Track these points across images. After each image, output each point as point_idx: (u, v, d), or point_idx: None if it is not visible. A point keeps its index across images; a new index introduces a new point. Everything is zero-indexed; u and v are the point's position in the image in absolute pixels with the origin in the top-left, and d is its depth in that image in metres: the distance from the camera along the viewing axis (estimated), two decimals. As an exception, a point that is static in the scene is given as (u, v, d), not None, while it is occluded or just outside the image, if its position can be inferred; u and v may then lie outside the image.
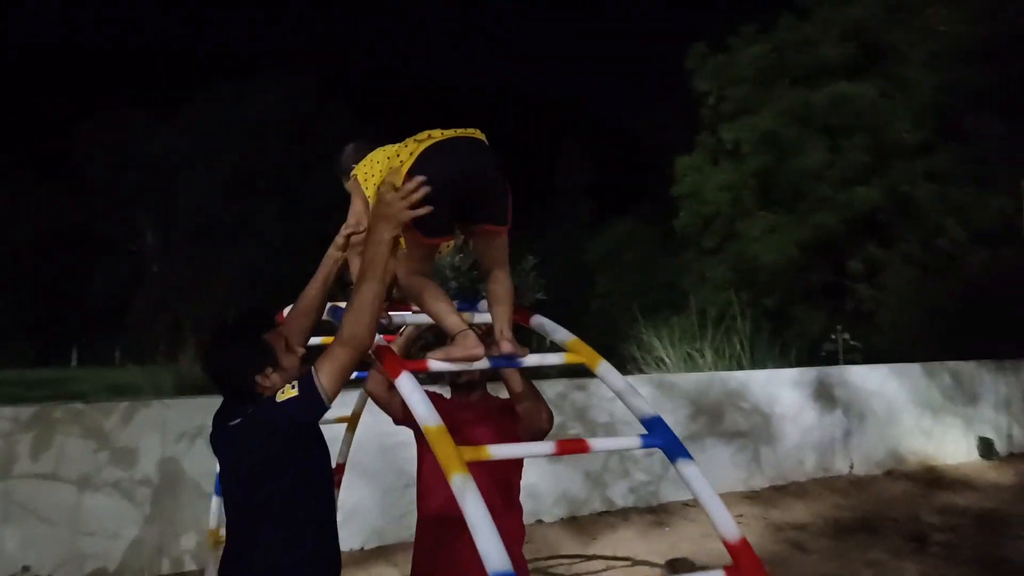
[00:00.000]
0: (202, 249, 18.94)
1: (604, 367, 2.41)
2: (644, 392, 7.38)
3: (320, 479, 2.26)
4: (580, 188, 26.88)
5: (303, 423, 2.15)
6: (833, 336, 11.07)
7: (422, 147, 2.44)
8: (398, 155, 2.50)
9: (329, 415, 3.73)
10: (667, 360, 9.81)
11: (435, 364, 2.30)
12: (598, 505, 6.93)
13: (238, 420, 2.16)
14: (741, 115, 15.27)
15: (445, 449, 1.91)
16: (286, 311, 3.08)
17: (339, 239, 2.68)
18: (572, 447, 2.14)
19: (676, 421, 7.37)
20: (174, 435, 5.54)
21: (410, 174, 2.36)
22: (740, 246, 15.04)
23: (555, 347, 2.66)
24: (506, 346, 2.38)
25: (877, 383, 8.52)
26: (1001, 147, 13.93)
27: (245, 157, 23.51)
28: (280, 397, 2.11)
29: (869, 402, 8.40)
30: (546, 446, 2.08)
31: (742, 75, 15.44)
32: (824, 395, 8.18)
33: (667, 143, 18.61)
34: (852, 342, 10.94)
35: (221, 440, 2.23)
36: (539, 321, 2.72)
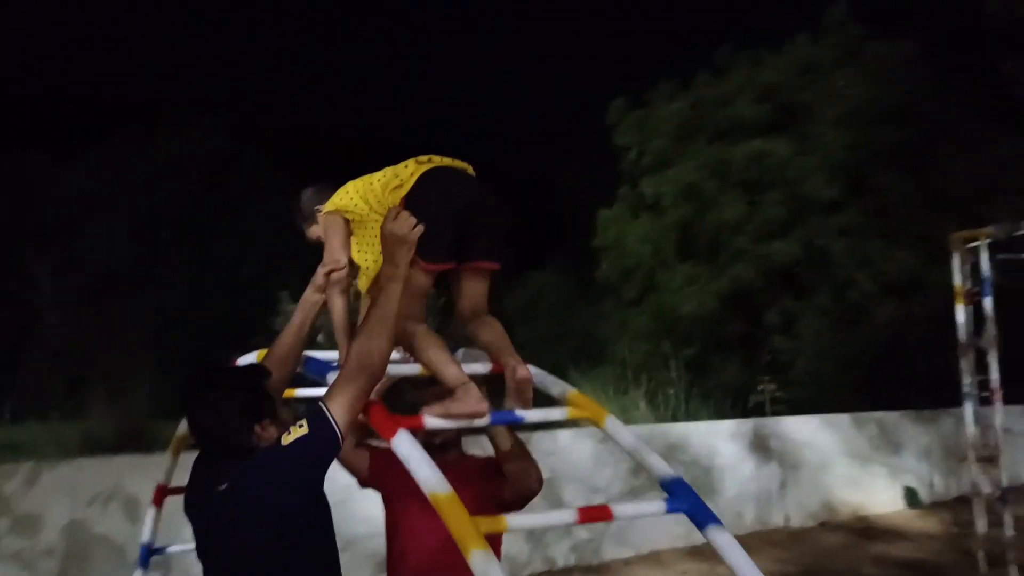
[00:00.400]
0: (104, 298, 17.96)
1: (612, 423, 2.22)
2: (586, 446, 7.21)
3: (326, 518, 2.05)
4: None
5: (318, 463, 1.91)
6: (760, 387, 11.18)
7: (423, 169, 2.33)
8: (397, 175, 2.35)
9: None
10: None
11: (432, 421, 2.07)
12: (539, 565, 6.66)
13: (229, 482, 1.88)
14: (661, 169, 15.55)
15: (461, 521, 1.66)
16: (240, 361, 2.80)
17: (318, 279, 2.46)
18: (595, 514, 1.93)
19: (617, 475, 7.19)
20: (85, 499, 5.04)
21: (411, 194, 2.28)
22: (661, 296, 15.19)
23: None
24: (523, 371, 2.22)
25: (809, 434, 8.58)
26: (904, 203, 14.57)
27: (152, 203, 22.61)
28: (287, 439, 1.87)
29: (802, 453, 8.44)
30: (568, 514, 1.86)
31: (662, 130, 15.77)
32: (760, 447, 8.18)
33: (584, 195, 18.83)
34: (778, 393, 11.07)
35: (206, 507, 1.94)
36: (532, 372, 2.52)
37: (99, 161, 22.54)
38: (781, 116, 15.22)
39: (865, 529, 8.24)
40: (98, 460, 5.50)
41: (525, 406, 2.23)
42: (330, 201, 2.55)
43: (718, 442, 7.92)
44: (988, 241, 6.37)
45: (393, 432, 1.88)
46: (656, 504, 1.92)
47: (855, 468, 8.84)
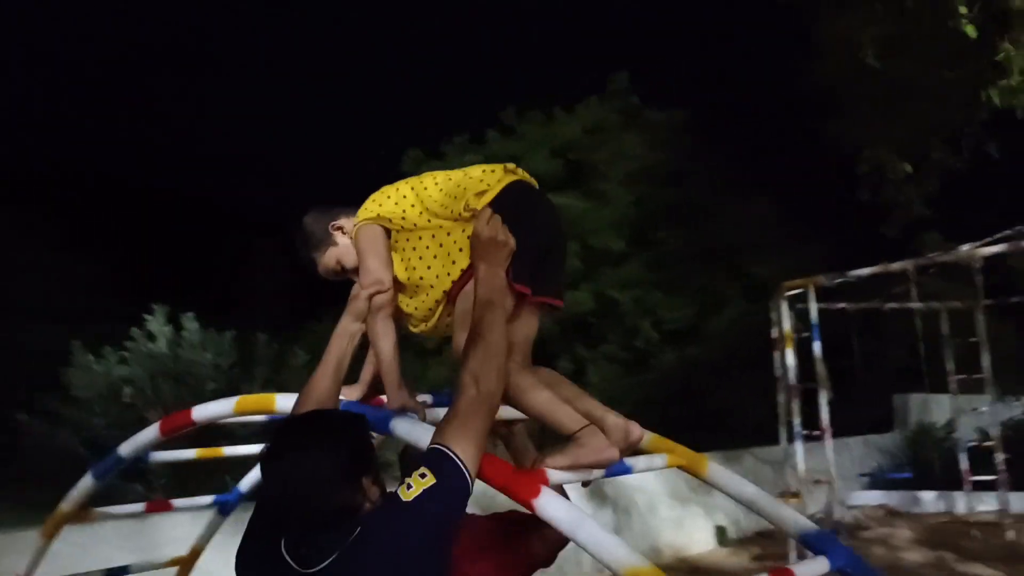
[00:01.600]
0: None
1: (716, 471, 1.99)
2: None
3: None
4: (276, 290, 25.61)
5: (452, 519, 1.53)
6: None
7: (511, 179, 1.99)
8: (481, 180, 1.98)
9: (159, 554, 2.89)
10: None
11: (559, 475, 1.72)
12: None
13: (332, 559, 1.41)
14: (459, 219, 15.62)
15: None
16: (195, 413, 2.24)
17: (359, 303, 2.02)
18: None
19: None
20: None
21: (496, 203, 2.00)
22: (461, 346, 15.11)
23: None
24: (636, 430, 1.92)
25: (639, 478, 8.74)
26: (681, 257, 15.75)
27: None
28: (407, 493, 1.48)
29: (633, 497, 8.58)
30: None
31: (458, 181, 15.87)
32: (596, 493, 8.20)
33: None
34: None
35: None
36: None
37: None
38: (573, 173, 15.92)
39: (688, 570, 8.48)
40: None
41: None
42: (366, 209, 2.13)
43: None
44: (815, 289, 6.85)
45: (535, 491, 1.51)
46: (820, 563, 1.70)
47: (677, 510, 9.14)
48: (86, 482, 2.48)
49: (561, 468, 1.76)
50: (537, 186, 2.19)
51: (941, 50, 5.98)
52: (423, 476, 1.49)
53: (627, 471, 1.96)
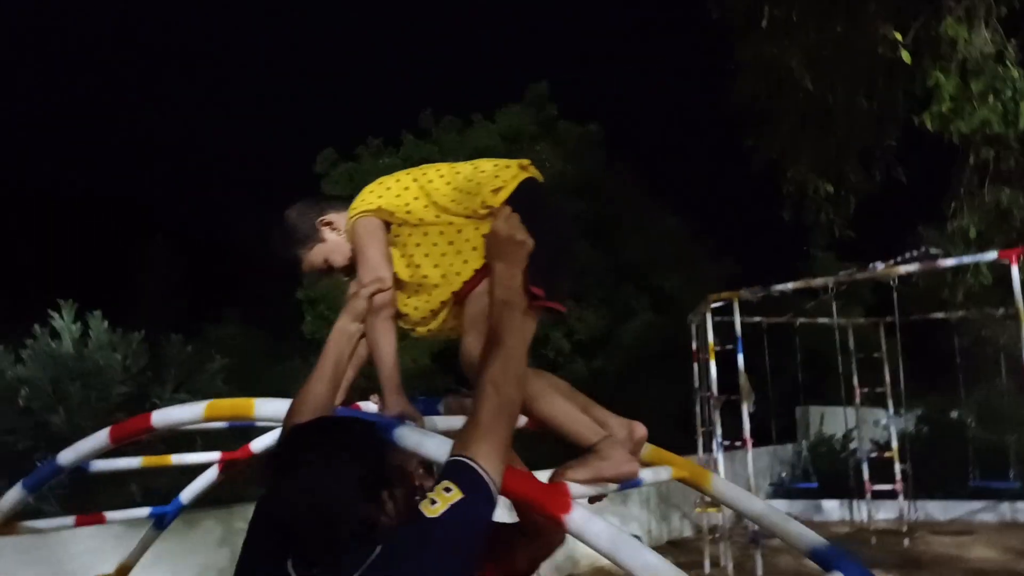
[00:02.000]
0: None
1: (720, 483, 1.93)
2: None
3: None
4: (168, 290, 24.58)
5: (481, 535, 1.41)
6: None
7: (525, 175, 1.89)
8: (496, 175, 1.88)
9: (64, 569, 2.73)
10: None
11: (578, 489, 1.64)
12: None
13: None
14: (372, 223, 15.35)
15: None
16: (154, 418, 2.05)
17: (358, 302, 1.87)
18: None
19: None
20: None
21: (511, 201, 1.92)
22: (373, 352, 14.84)
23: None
24: (640, 429, 1.86)
25: (556, 487, 8.73)
26: (591, 269, 15.96)
27: None
28: (432, 509, 1.35)
29: (551, 507, 8.56)
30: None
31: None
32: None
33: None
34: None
35: None
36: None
37: None
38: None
39: (607, 580, 8.53)
40: None
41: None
42: (364, 201, 1.98)
43: (477, 501, 7.73)
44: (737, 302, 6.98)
45: (566, 506, 1.43)
46: (836, 579, 1.67)
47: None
48: (15, 494, 2.23)
49: (582, 482, 1.68)
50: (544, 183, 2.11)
51: (867, 74, 6.21)
52: (448, 490, 1.37)
53: (637, 484, 1.90)
